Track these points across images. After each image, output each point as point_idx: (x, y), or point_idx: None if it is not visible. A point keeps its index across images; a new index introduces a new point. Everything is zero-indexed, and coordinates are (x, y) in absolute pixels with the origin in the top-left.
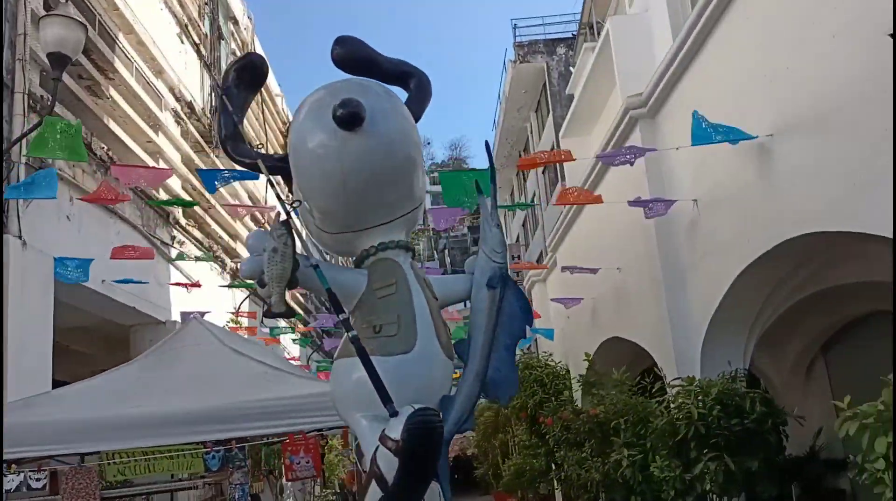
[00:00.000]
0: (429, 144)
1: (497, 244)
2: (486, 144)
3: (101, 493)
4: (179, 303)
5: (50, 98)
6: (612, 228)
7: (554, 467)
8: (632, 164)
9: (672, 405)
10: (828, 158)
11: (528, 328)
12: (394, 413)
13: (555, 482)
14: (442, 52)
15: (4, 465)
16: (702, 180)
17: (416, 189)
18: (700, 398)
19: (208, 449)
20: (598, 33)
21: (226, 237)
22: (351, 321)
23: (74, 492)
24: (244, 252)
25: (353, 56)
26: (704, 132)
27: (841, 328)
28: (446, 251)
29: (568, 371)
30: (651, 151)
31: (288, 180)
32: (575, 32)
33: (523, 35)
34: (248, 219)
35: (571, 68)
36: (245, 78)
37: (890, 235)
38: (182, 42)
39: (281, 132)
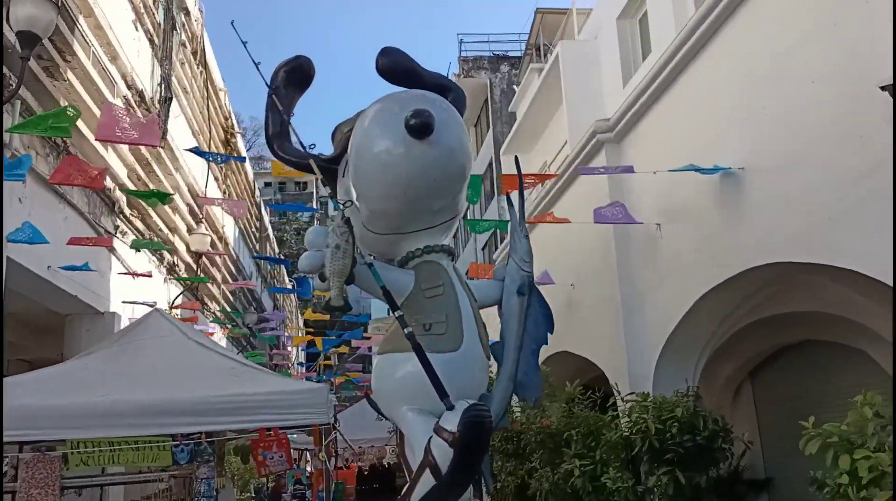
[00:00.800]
0: None
1: (525, 254)
2: (516, 159)
3: (63, 482)
4: (119, 294)
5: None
6: (569, 245)
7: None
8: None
9: (626, 420)
10: (799, 193)
11: (548, 333)
12: (450, 407)
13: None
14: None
15: None
16: (666, 206)
17: (461, 197)
18: (658, 414)
19: (178, 442)
20: (545, 55)
21: (165, 230)
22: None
23: (34, 481)
24: (180, 245)
25: (396, 67)
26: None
27: (770, 355)
28: None
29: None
30: (626, 171)
31: (332, 181)
32: (521, 52)
33: (469, 50)
34: (186, 213)
35: (515, 86)
36: (294, 79)
37: (857, 268)
38: (136, 29)
39: (223, 127)
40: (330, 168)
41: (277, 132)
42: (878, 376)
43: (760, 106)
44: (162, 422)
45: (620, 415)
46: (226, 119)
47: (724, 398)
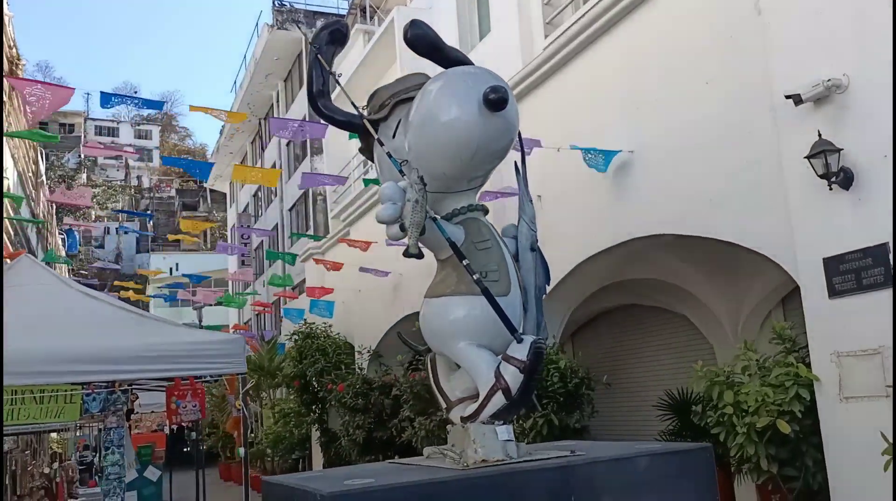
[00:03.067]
0: (135, 92)
1: (533, 216)
2: (518, 133)
3: None
4: None
5: None
6: None
7: (320, 432)
8: None
9: None
10: (683, 180)
11: (547, 284)
12: (519, 340)
13: (317, 446)
14: None
15: None
16: (548, 181)
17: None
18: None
19: (90, 391)
20: (369, 17)
21: None
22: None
23: None
24: None
25: (423, 39)
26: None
27: (600, 313)
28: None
29: (348, 343)
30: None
31: (363, 139)
32: (336, 9)
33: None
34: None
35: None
36: (337, 38)
37: (736, 241)
38: None
39: (8, 58)
40: (363, 127)
41: (320, 91)
42: (695, 336)
43: (652, 99)
44: (78, 370)
45: None
46: (10, 48)
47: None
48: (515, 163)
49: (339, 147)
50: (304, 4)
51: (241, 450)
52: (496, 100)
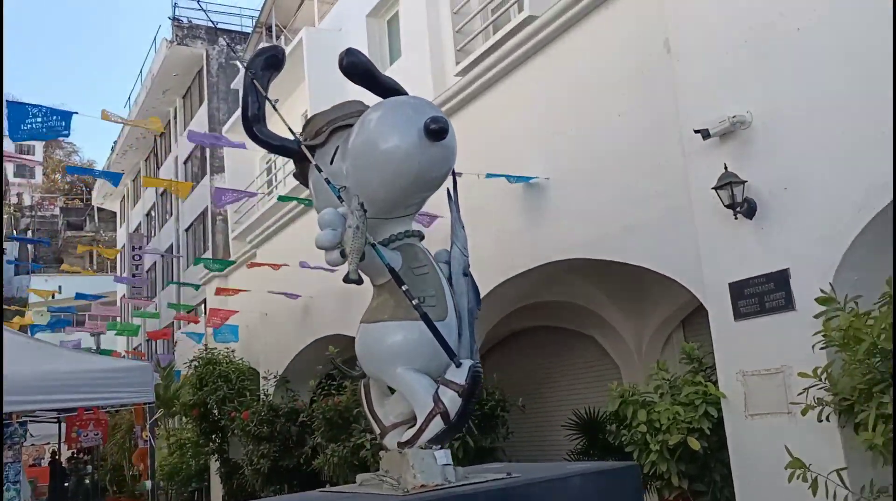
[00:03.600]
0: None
1: (465, 242)
2: (453, 172)
3: None
4: None
5: None
6: None
7: (220, 463)
8: None
9: None
10: (596, 206)
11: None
12: (458, 365)
13: (216, 478)
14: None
15: None
16: (465, 206)
17: None
18: None
19: None
20: (275, 36)
21: None
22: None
23: None
24: None
25: (358, 67)
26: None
27: (509, 335)
28: (30, 232)
29: (252, 368)
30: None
31: (298, 164)
32: (240, 27)
33: (184, 15)
34: None
35: (234, 62)
36: (272, 64)
37: (648, 266)
38: None
39: None
40: (299, 152)
41: (255, 116)
42: (602, 357)
43: (566, 128)
44: None
45: None
46: None
47: None
48: (448, 189)
49: (243, 166)
50: (207, 21)
51: (148, 483)
52: (437, 130)
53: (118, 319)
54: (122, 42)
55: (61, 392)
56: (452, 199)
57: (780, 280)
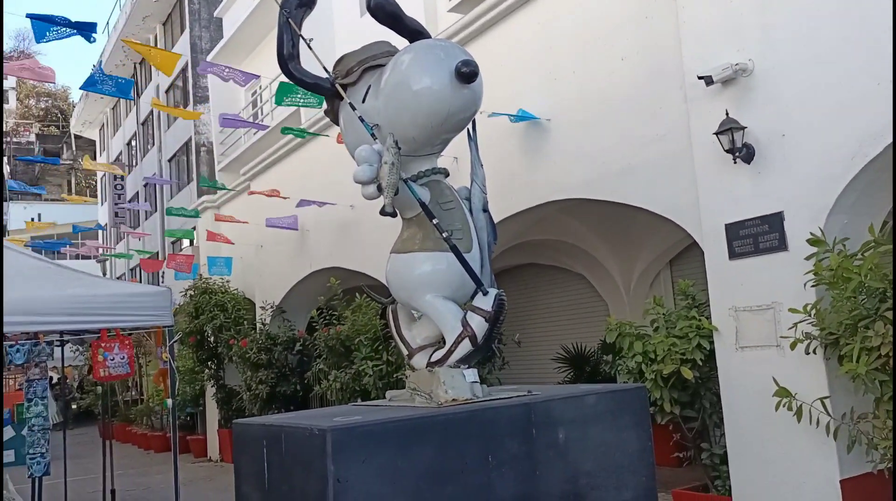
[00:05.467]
0: None
1: (484, 180)
2: (473, 123)
3: None
4: None
5: None
6: (345, 167)
7: (216, 389)
8: None
9: None
10: (595, 148)
11: (494, 243)
12: (485, 293)
13: (212, 403)
14: None
15: None
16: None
17: None
18: None
19: (13, 342)
20: None
21: None
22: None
23: None
24: None
25: (385, 9)
26: None
27: (500, 272)
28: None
29: (248, 299)
30: None
31: (329, 101)
32: None
33: None
34: None
35: None
36: (305, 3)
37: (643, 206)
38: None
39: None
40: (333, 90)
41: (291, 54)
42: (590, 294)
43: (568, 71)
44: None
45: None
46: None
47: None
48: (468, 130)
49: (228, 96)
50: None
51: (169, 402)
52: (468, 73)
53: (104, 250)
54: None
55: (85, 314)
56: (473, 139)
57: (774, 222)
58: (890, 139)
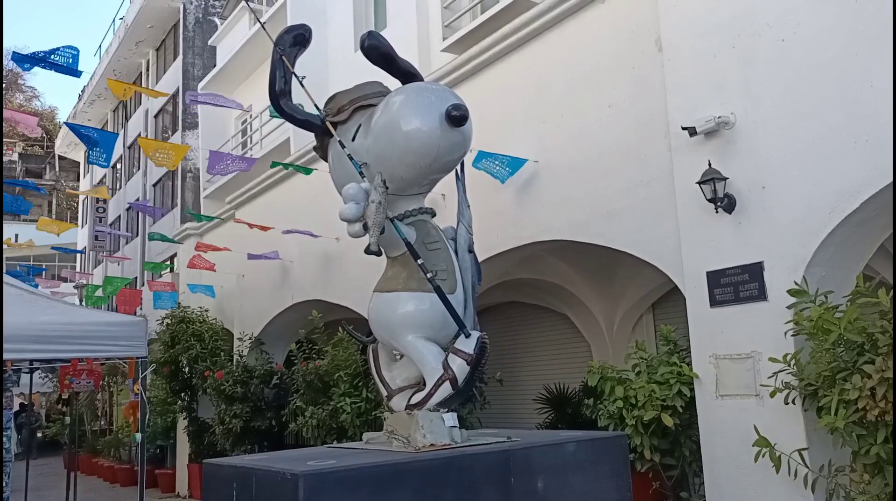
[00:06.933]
0: None
1: (470, 220)
2: (463, 166)
3: None
4: None
5: None
6: (336, 202)
7: (188, 421)
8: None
9: None
10: (581, 192)
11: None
12: (467, 335)
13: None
14: None
15: None
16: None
17: None
18: None
19: None
20: None
21: None
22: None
23: None
24: None
25: (379, 50)
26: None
27: (483, 310)
28: None
29: (226, 329)
30: None
31: (319, 138)
32: None
33: None
34: None
35: (212, 18)
36: (299, 41)
37: (629, 250)
38: None
39: None
40: (321, 127)
41: (282, 91)
42: (573, 335)
43: (557, 115)
44: None
45: None
46: None
47: None
48: (456, 170)
49: (217, 123)
50: None
51: (138, 435)
52: (458, 117)
53: (85, 278)
54: None
55: (57, 343)
56: (460, 179)
57: (754, 272)
58: (867, 196)
